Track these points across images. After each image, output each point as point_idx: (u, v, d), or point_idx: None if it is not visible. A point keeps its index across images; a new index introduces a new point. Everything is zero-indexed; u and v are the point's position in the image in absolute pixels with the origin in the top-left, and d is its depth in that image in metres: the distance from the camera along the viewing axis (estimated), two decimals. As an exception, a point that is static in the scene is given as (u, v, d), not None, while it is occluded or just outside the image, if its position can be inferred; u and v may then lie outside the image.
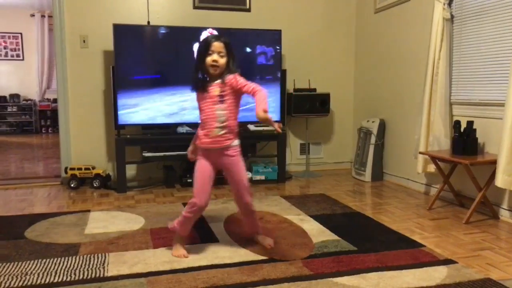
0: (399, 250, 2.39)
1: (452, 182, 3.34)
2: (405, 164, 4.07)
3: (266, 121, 2.04)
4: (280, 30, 4.22)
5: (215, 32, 2.31)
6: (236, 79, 2.21)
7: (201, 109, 2.29)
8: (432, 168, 3.47)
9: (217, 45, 2.19)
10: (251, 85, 2.19)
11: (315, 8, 4.75)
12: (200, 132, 2.30)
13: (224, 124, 2.22)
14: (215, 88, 2.22)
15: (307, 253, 2.36)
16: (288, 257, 2.29)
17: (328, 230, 2.75)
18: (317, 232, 2.70)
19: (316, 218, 3.01)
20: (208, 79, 2.26)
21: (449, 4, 3.41)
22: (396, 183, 4.19)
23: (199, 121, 2.31)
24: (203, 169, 2.31)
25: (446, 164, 3.33)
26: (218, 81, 2.23)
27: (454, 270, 2.13)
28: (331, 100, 4.54)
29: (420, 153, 3.47)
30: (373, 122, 4.37)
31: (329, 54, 4.86)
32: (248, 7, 4.52)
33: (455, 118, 3.36)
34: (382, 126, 4.34)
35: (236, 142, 2.32)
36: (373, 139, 4.31)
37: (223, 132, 2.24)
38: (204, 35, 2.28)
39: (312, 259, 2.27)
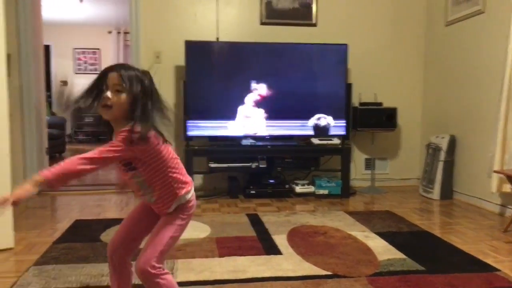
0: (470, 273, 2.28)
1: (530, 204, 3.14)
2: (477, 182, 3.87)
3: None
4: (346, 44, 4.22)
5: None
6: (120, 134, 1.43)
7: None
8: (508, 188, 3.28)
9: (113, 77, 1.46)
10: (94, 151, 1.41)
11: (382, 21, 4.70)
12: None
13: (151, 192, 1.56)
14: None
15: (372, 270, 2.32)
16: (353, 274, 2.27)
17: (394, 248, 2.68)
18: (383, 250, 2.65)
19: (382, 235, 2.94)
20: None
21: (528, 16, 3.25)
22: (467, 202, 4.00)
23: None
24: (134, 209, 1.72)
25: (524, 184, 3.14)
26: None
27: (532, 297, 2.01)
28: (398, 115, 4.44)
29: (495, 171, 3.30)
30: (442, 138, 4.21)
31: (397, 67, 4.77)
32: (314, 22, 4.56)
33: (534, 136, 3.17)
34: (453, 142, 4.17)
35: (173, 207, 1.58)
36: (442, 156, 4.15)
37: (154, 199, 1.57)
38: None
39: (377, 277, 2.23)
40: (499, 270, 2.33)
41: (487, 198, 3.74)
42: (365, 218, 3.41)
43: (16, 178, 4.12)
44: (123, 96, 1.45)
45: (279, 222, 3.27)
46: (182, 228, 1.61)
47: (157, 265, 1.51)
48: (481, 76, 3.83)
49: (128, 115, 1.46)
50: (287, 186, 4.26)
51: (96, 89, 1.48)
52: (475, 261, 2.48)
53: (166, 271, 1.55)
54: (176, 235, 1.58)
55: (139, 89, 1.46)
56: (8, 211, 2.66)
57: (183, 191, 1.57)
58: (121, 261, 1.67)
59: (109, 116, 1.47)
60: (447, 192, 4.17)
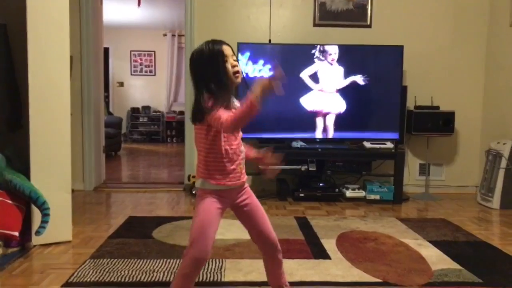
0: (533, 288, 2.15)
1: None
2: (542, 192, 3.64)
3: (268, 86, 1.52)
4: (402, 46, 4.10)
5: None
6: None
7: (219, 141, 1.67)
8: None
9: (228, 49, 1.68)
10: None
11: (441, 22, 4.52)
12: (215, 170, 1.69)
13: (243, 154, 1.76)
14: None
15: (425, 280, 2.24)
16: (404, 282, 2.19)
17: (448, 258, 2.58)
18: (437, 259, 2.55)
19: (436, 244, 2.83)
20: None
21: None
22: (530, 213, 3.77)
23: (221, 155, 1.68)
24: (209, 210, 1.70)
25: None
26: (235, 102, 1.71)
27: None
28: (456, 119, 4.25)
29: (562, 181, 3.09)
30: (504, 144, 4.00)
31: (455, 70, 4.57)
32: (369, 23, 4.47)
33: None
34: (515, 149, 3.95)
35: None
36: (503, 163, 3.94)
37: (242, 165, 1.75)
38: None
39: (430, 287, 2.14)
40: None
41: (553, 209, 3.51)
42: (418, 225, 3.29)
43: (75, 174, 4.33)
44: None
45: (328, 226, 3.23)
46: None
47: None
48: (549, 79, 3.60)
49: None
50: (337, 190, 4.20)
51: (212, 63, 1.65)
52: (539, 276, 2.33)
53: None
54: None
55: None
56: (68, 206, 2.79)
57: None
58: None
59: (239, 79, 1.70)
60: (509, 201, 3.95)
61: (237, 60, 1.72)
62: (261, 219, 1.79)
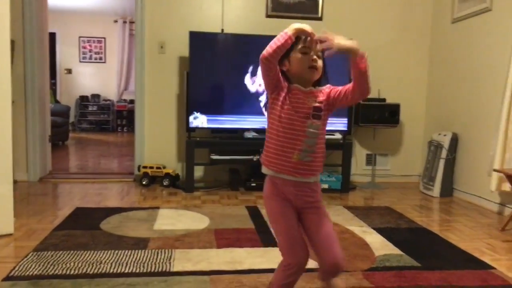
0: (466, 270, 2.29)
1: (529, 203, 3.14)
2: (477, 181, 3.88)
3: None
4: (352, 39, 4.19)
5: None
6: (335, 88, 1.65)
7: (280, 121, 1.57)
8: (507, 187, 3.28)
9: (311, 41, 1.58)
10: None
11: (388, 17, 4.68)
12: (271, 151, 1.63)
13: (313, 147, 1.56)
14: (310, 98, 1.59)
15: (368, 265, 2.33)
16: (349, 268, 2.27)
17: (391, 244, 2.70)
18: (380, 245, 2.66)
19: (379, 231, 2.96)
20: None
21: (535, 15, 3.22)
22: (466, 201, 4.00)
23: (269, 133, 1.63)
24: (284, 213, 1.65)
25: (524, 184, 3.14)
26: (312, 88, 1.63)
27: (527, 296, 2.01)
28: (401, 111, 4.43)
29: (495, 170, 3.30)
30: (444, 135, 4.21)
31: (401, 64, 4.75)
32: (320, 15, 4.54)
33: (536, 136, 3.16)
34: (455, 140, 4.16)
35: (319, 177, 1.65)
36: (444, 153, 4.15)
37: (309, 159, 1.55)
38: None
39: (373, 272, 2.24)
40: (494, 268, 2.34)
41: (487, 197, 3.75)
42: (364, 213, 3.42)
43: (18, 165, 4.16)
44: (321, 62, 1.61)
45: (278, 215, 3.28)
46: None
47: None
48: (486, 74, 3.82)
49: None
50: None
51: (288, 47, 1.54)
52: (471, 259, 2.49)
53: None
54: None
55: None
56: (9, 197, 2.68)
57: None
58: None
59: (316, 76, 1.60)
60: (447, 189, 4.18)
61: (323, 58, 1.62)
62: (323, 237, 1.61)
